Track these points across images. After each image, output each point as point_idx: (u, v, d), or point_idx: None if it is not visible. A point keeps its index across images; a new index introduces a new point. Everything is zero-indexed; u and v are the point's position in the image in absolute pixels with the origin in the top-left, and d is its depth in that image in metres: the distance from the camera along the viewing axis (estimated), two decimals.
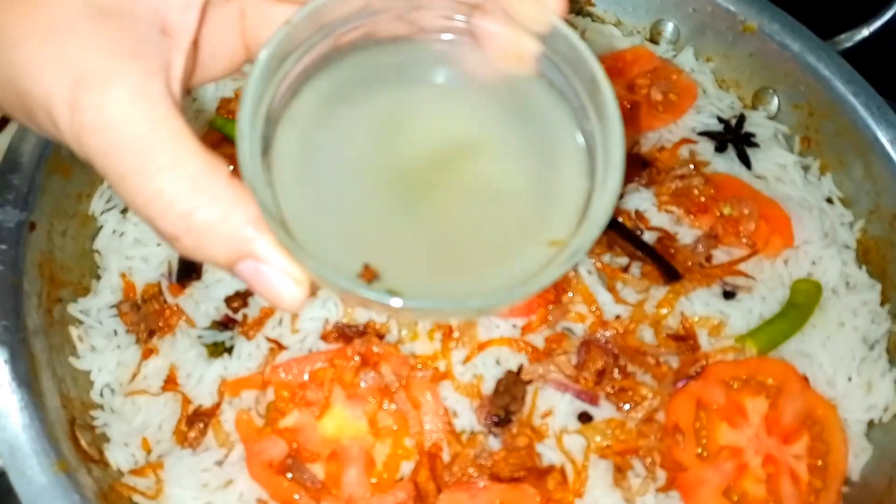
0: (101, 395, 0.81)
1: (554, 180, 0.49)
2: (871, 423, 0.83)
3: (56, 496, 0.66)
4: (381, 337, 0.78)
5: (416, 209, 0.48)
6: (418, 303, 0.43)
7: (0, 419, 0.69)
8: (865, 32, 1.04)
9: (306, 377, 0.77)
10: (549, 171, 0.49)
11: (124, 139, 0.40)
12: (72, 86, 0.40)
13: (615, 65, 1.02)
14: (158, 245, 0.87)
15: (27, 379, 0.72)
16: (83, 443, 0.74)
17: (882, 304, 0.89)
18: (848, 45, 1.03)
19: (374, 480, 0.73)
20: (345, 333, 0.78)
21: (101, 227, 0.90)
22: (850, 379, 0.83)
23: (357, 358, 0.76)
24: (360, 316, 0.80)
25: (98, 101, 0.40)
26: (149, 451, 0.77)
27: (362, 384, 0.76)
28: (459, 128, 0.50)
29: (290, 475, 0.72)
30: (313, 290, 0.44)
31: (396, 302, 0.41)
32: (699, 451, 0.76)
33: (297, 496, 0.72)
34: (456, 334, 0.79)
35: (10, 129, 0.87)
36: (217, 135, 0.93)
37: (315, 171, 0.47)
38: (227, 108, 0.95)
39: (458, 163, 0.49)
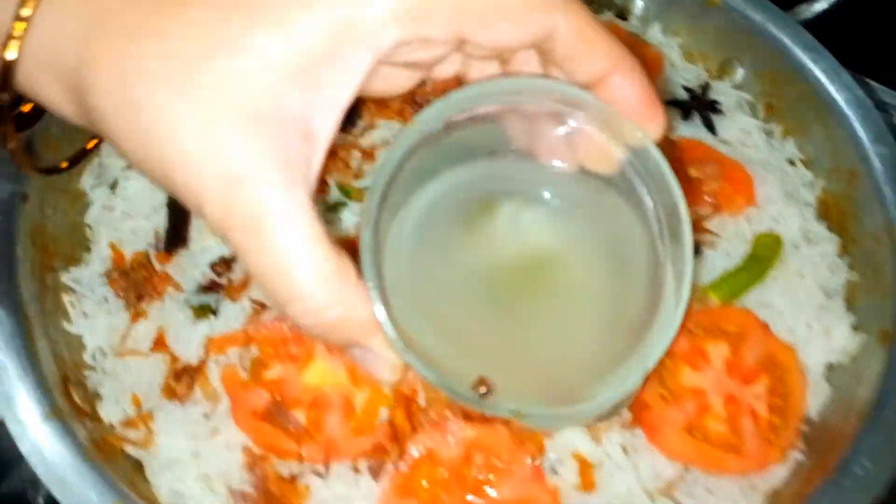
0: (94, 358, 0.84)
1: (627, 294, 0.53)
2: (830, 366, 0.86)
3: (50, 439, 0.70)
4: None
5: (507, 317, 0.52)
6: (536, 420, 0.51)
7: None
8: (825, 4, 1.08)
9: (289, 334, 0.80)
10: (624, 285, 0.54)
11: (273, 245, 0.44)
12: (224, 187, 0.43)
13: None
14: (146, 219, 0.91)
15: (23, 339, 0.76)
16: (76, 398, 0.78)
17: (840, 256, 0.93)
18: (807, 16, 1.07)
19: (353, 425, 0.76)
20: None
21: (92, 202, 0.93)
22: (809, 326, 0.86)
23: None
24: None
25: (249, 208, 0.44)
26: (139, 406, 0.80)
27: None
28: (547, 237, 0.54)
29: (273, 422, 0.76)
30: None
31: (518, 417, 0.49)
32: (663, 392, 0.79)
33: (280, 441, 0.75)
34: None
35: None
36: None
37: (419, 272, 0.52)
38: None
39: (544, 272, 0.53)
